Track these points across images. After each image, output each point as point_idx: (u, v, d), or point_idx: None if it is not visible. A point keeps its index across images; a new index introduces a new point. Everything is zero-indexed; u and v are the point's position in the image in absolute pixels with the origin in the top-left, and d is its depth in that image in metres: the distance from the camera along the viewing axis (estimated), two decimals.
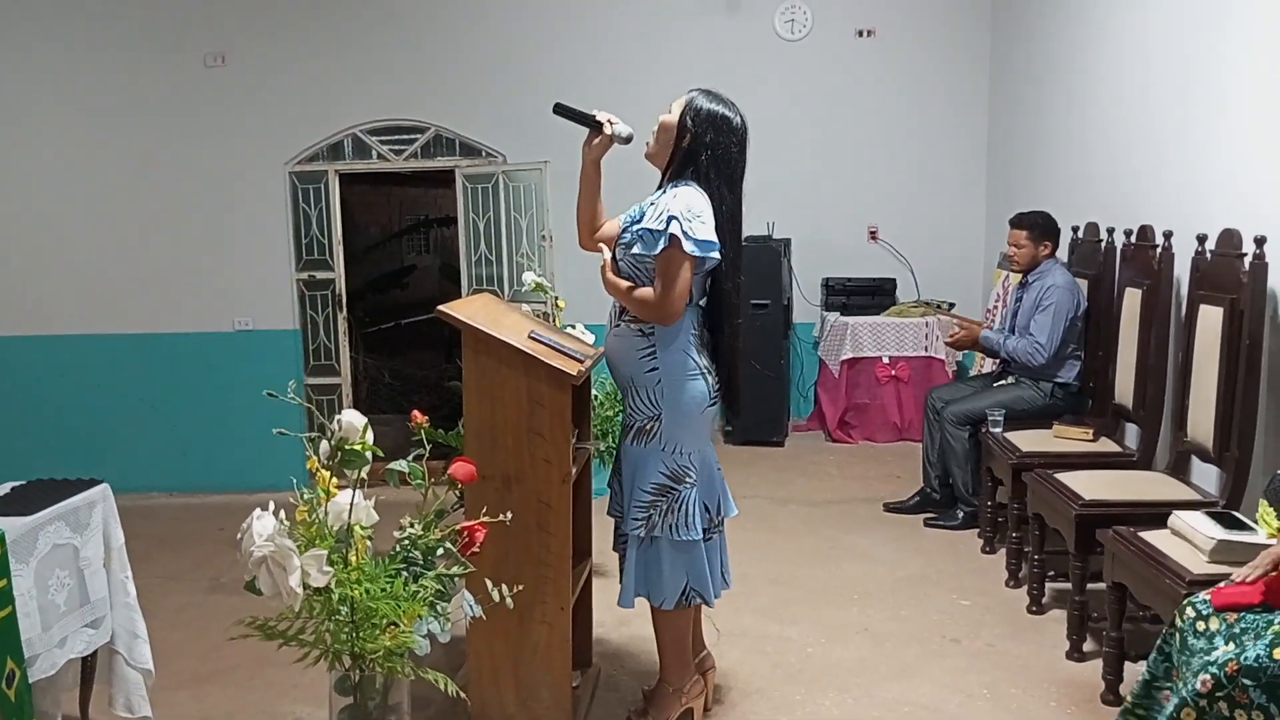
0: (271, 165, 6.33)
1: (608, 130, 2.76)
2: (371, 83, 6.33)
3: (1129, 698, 2.45)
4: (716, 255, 2.61)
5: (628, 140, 2.80)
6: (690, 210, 2.55)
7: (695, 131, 2.63)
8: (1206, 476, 3.43)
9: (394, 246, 9.40)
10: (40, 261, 6.41)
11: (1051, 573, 3.73)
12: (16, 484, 3.09)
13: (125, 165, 6.37)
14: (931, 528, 4.59)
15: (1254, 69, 3.37)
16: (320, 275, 6.41)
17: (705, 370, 2.70)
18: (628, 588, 2.75)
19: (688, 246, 2.53)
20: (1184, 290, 3.61)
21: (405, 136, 6.35)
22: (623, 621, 3.48)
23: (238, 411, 6.29)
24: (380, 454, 1.99)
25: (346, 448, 1.88)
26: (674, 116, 2.67)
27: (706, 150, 2.63)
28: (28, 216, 6.42)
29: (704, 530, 2.75)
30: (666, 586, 2.73)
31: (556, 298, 4.03)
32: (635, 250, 2.63)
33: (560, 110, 2.80)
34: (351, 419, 1.90)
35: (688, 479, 2.70)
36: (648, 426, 2.68)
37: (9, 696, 2.66)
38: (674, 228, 2.53)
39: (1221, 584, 2.34)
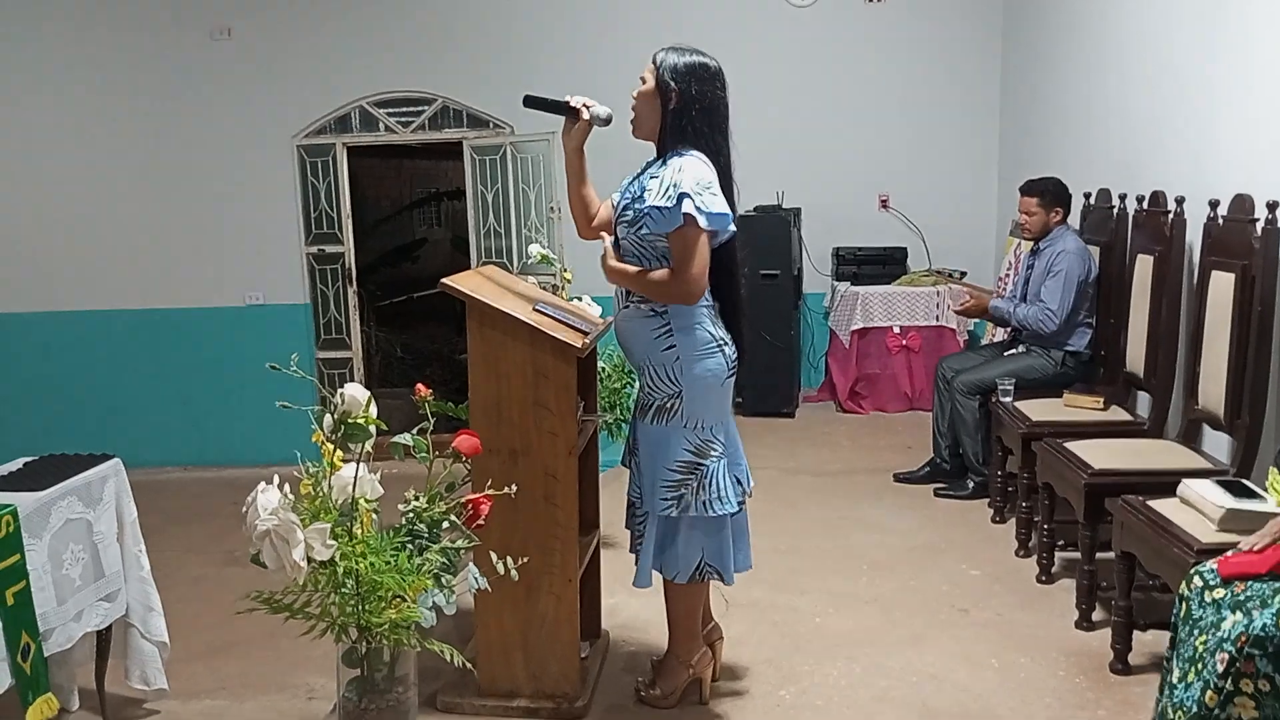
0: (279, 139, 6.33)
1: (585, 115, 2.68)
2: (378, 55, 6.30)
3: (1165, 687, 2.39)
4: (731, 227, 2.57)
5: (607, 121, 2.71)
6: (699, 183, 2.51)
7: (679, 88, 2.57)
8: (1218, 445, 3.41)
9: (405, 219, 9.39)
10: (50, 238, 6.45)
11: (1061, 542, 3.72)
12: (29, 459, 3.12)
13: (132, 140, 6.39)
14: (941, 497, 4.59)
15: (1266, 34, 3.32)
16: (330, 249, 6.42)
17: (722, 341, 2.67)
18: (644, 568, 2.73)
19: (703, 222, 2.49)
20: (1196, 257, 3.57)
21: (412, 108, 6.34)
22: (632, 593, 3.48)
23: (249, 386, 6.31)
24: (384, 427, 1.99)
25: (350, 421, 1.88)
26: (650, 84, 2.60)
27: (695, 104, 2.57)
28: (36, 193, 6.44)
29: (739, 503, 2.76)
30: (681, 560, 2.72)
31: (564, 269, 4.02)
32: (644, 231, 2.58)
33: (530, 102, 2.72)
34: (354, 392, 1.90)
35: (713, 453, 2.68)
36: (668, 404, 2.65)
37: (25, 670, 2.70)
38: (687, 206, 2.47)
39: (1229, 553, 2.32)
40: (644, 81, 2.62)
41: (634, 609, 3.46)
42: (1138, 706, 2.80)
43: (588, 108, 2.69)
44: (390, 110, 6.34)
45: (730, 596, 3.48)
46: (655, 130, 2.64)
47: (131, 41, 6.31)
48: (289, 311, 6.46)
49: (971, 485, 4.55)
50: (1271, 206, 3.02)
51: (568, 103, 2.69)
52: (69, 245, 6.46)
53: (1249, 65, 3.43)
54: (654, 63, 2.61)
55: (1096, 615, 3.28)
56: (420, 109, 6.33)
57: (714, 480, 2.67)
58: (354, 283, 6.48)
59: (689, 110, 2.57)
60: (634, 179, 2.71)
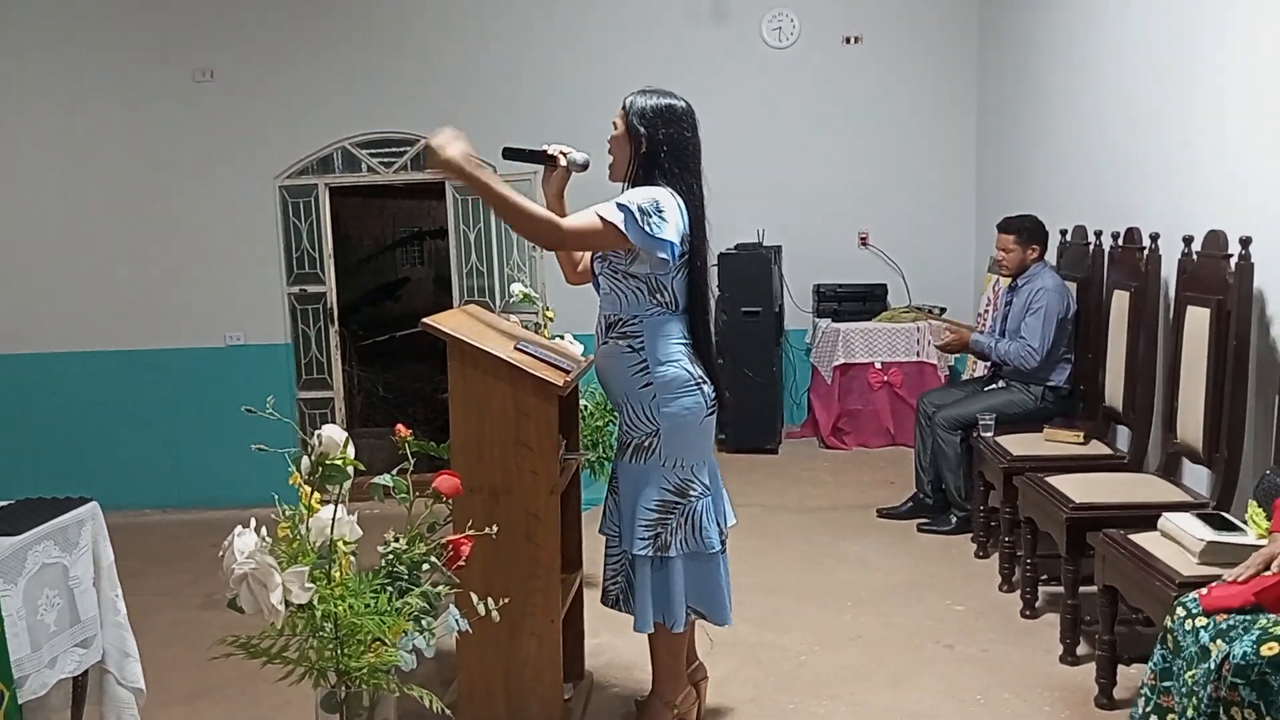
0: (261, 179, 6.33)
1: (562, 162, 2.73)
2: (360, 96, 6.34)
3: (1139, 706, 2.40)
4: (663, 255, 2.55)
5: (584, 167, 2.76)
6: (654, 204, 2.52)
7: (647, 132, 2.60)
8: (1197, 478, 3.43)
9: (388, 259, 9.38)
10: (29, 278, 6.41)
11: (1044, 576, 3.72)
12: (4, 503, 3.08)
13: (114, 181, 6.38)
14: (925, 533, 4.59)
15: (1239, 72, 3.38)
16: (311, 289, 6.41)
17: (700, 380, 2.67)
18: (644, 612, 2.69)
19: (631, 235, 2.51)
20: (1171, 292, 3.61)
21: (394, 149, 6.36)
22: (616, 633, 3.46)
23: (230, 427, 6.19)
24: (363, 468, 1.98)
25: (327, 463, 1.87)
26: (621, 129, 2.64)
27: (663, 147, 2.60)
28: (16, 233, 6.42)
29: (720, 542, 2.75)
30: (677, 608, 2.70)
31: (546, 308, 4.03)
32: (608, 257, 2.62)
33: (509, 154, 2.79)
34: (331, 434, 1.89)
35: (692, 491, 2.68)
36: (646, 443, 2.66)
37: None
38: (620, 215, 2.50)
39: (1213, 584, 2.33)
40: (615, 127, 2.66)
41: (618, 649, 3.44)
42: None
43: (564, 155, 2.73)
44: (372, 150, 6.37)
45: (714, 635, 3.46)
46: (628, 173, 2.67)
47: (113, 83, 6.32)
48: (270, 351, 6.43)
49: (954, 520, 4.55)
50: (1245, 242, 3.06)
51: (545, 151, 2.74)
52: (48, 286, 6.42)
53: (1222, 103, 3.49)
54: (623, 107, 2.65)
55: (1080, 649, 3.28)
56: (403, 149, 6.35)
57: (694, 519, 2.67)
58: (336, 322, 6.46)
59: (657, 153, 2.61)
60: None
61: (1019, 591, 3.75)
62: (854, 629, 3.63)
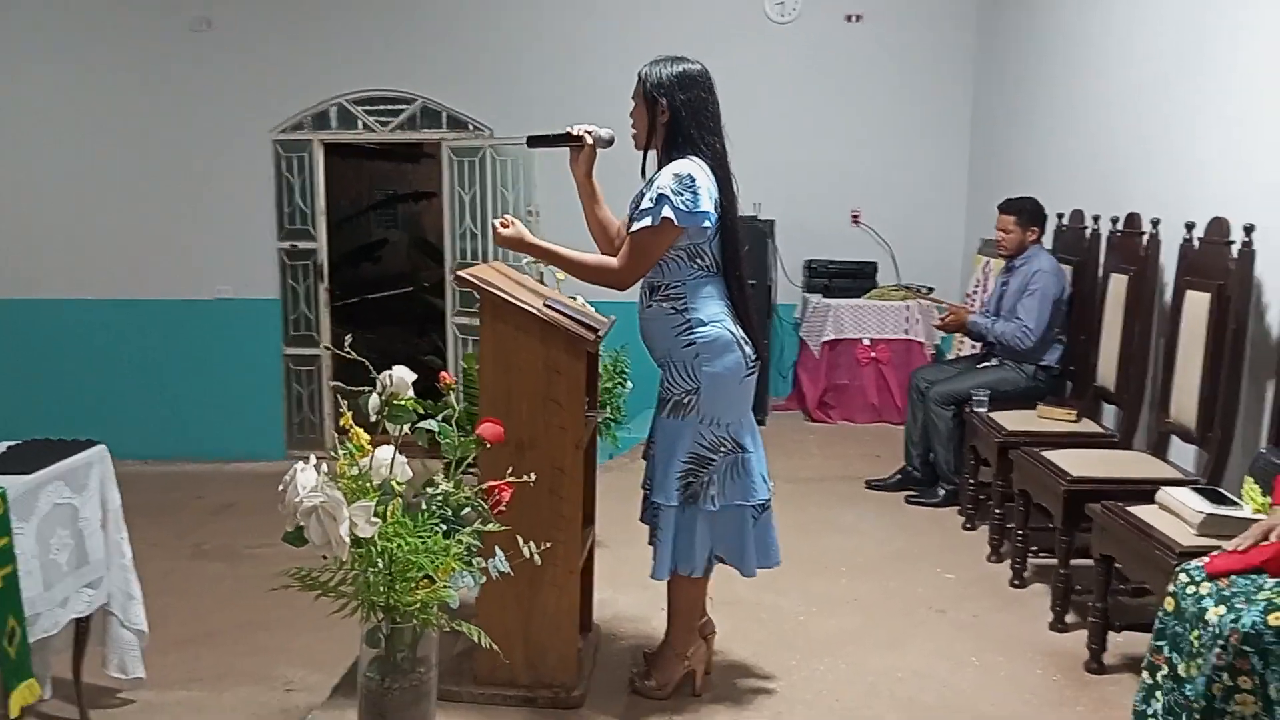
0: (256, 133, 6.29)
1: (588, 141, 2.77)
2: (359, 52, 6.30)
3: (1145, 675, 2.49)
4: (706, 224, 2.62)
5: (610, 142, 2.81)
6: (679, 183, 2.57)
7: (666, 100, 2.64)
8: (1184, 455, 3.54)
9: (363, 221, 9.31)
10: (22, 225, 6.33)
11: (1033, 548, 3.83)
12: (11, 443, 3.07)
13: (109, 130, 6.30)
14: (913, 505, 4.69)
15: (1243, 57, 3.46)
16: (302, 245, 6.38)
17: (741, 340, 2.73)
18: (663, 560, 2.75)
19: (680, 220, 2.57)
20: (1169, 277, 3.71)
21: (391, 107, 6.33)
22: (619, 589, 3.53)
23: (215, 381, 6.24)
24: (423, 410, 2.01)
25: (395, 403, 1.91)
26: (640, 101, 2.69)
27: (683, 111, 2.64)
28: (10, 181, 6.33)
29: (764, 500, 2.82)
30: (697, 555, 2.76)
31: (556, 272, 4.04)
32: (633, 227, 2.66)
33: (534, 142, 2.84)
34: (402, 374, 1.93)
35: (724, 448, 2.73)
36: (685, 400, 2.70)
37: (9, 654, 2.66)
38: (665, 210, 2.56)
39: (1213, 554, 2.43)
40: (634, 101, 2.71)
41: (623, 604, 3.50)
42: (1113, 704, 2.90)
43: (589, 134, 2.77)
44: (369, 108, 6.32)
45: (715, 594, 3.52)
46: (652, 142, 2.72)
47: (109, 32, 6.23)
48: (259, 306, 6.40)
49: (942, 493, 4.65)
50: (1248, 229, 3.16)
51: (569, 133, 2.78)
52: (41, 233, 6.36)
53: (1227, 89, 3.57)
54: (639, 78, 2.69)
55: (1070, 618, 3.39)
56: (400, 108, 6.32)
57: (728, 474, 2.74)
58: (325, 279, 6.44)
59: (678, 119, 2.65)
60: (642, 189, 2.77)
61: (1008, 562, 3.85)
62: (849, 593, 3.72)
